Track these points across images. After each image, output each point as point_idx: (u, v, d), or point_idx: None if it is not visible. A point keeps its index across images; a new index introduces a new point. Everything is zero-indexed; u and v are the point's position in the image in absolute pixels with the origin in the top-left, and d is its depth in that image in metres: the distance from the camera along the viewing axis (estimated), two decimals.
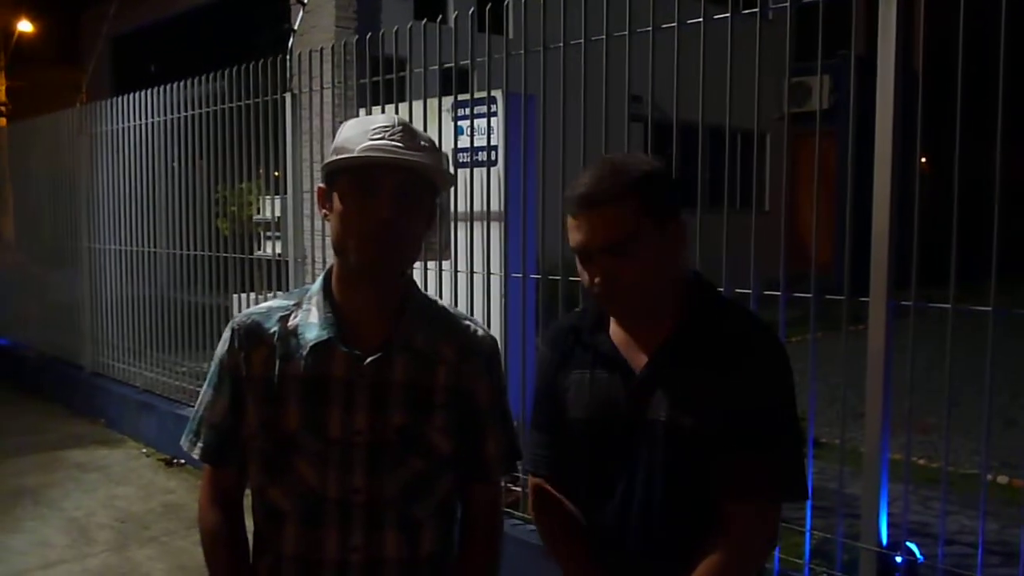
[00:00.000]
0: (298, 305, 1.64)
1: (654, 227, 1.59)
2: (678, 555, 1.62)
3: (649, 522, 1.64)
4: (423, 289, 1.79)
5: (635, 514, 1.64)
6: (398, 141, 1.52)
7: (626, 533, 1.66)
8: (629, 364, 1.67)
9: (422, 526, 1.62)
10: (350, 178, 1.53)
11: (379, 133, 1.52)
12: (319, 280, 1.66)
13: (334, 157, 1.54)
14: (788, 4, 3.01)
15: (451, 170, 4.26)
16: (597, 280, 1.59)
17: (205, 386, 1.68)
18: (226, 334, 1.65)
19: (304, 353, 1.58)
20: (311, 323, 1.60)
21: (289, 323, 1.62)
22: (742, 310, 1.82)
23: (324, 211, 1.60)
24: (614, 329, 1.72)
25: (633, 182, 1.58)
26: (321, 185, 1.60)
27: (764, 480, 1.61)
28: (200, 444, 1.65)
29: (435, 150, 1.60)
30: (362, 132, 1.53)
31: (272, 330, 1.61)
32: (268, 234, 5.73)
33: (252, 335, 1.61)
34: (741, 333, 1.67)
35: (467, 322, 1.71)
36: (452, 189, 4.11)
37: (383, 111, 4.27)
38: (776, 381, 1.65)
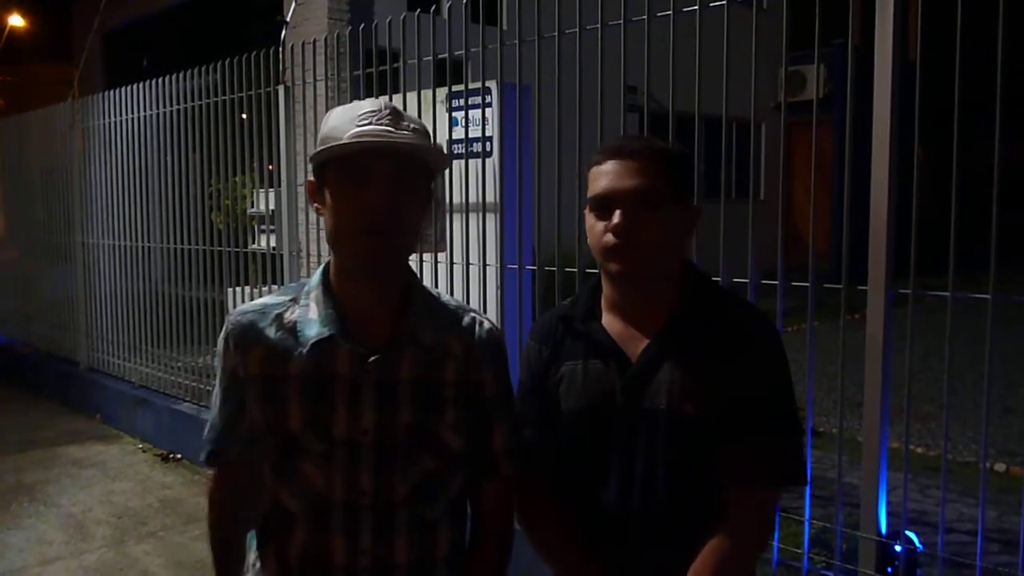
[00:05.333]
0: (295, 300, 1.59)
1: (675, 199, 1.63)
2: (681, 543, 1.61)
3: (652, 512, 1.62)
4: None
5: (636, 504, 1.63)
6: (387, 125, 1.46)
7: (627, 524, 1.64)
8: (624, 352, 1.66)
9: (436, 526, 1.58)
10: (340, 168, 1.47)
11: (366, 119, 1.46)
12: (317, 274, 1.60)
13: (321, 147, 1.48)
14: None
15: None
16: (615, 223, 1.59)
17: (214, 390, 1.67)
18: (222, 335, 1.61)
19: (304, 351, 1.52)
20: (311, 319, 1.54)
21: (286, 319, 1.56)
22: (738, 298, 1.81)
23: (316, 205, 1.54)
24: (607, 318, 1.71)
25: (666, 152, 1.66)
26: (311, 178, 1.55)
27: (765, 467, 1.61)
28: (207, 447, 1.63)
29: (425, 133, 1.54)
30: (349, 119, 1.48)
31: (268, 328, 1.56)
32: (262, 227, 5.70)
33: (247, 335, 1.56)
34: (741, 321, 1.67)
35: (472, 314, 1.66)
36: (447, 181, 4.10)
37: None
38: (776, 369, 1.64)
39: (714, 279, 1.82)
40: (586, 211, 1.69)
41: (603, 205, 1.62)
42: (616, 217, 1.59)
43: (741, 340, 1.63)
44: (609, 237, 1.60)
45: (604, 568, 1.66)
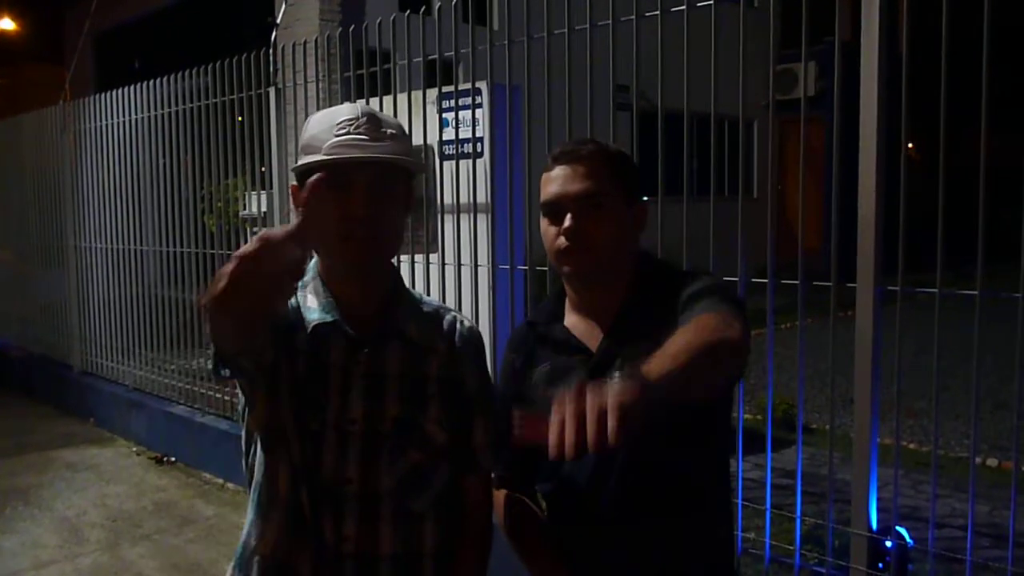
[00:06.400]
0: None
1: (623, 199, 1.69)
2: (647, 518, 1.63)
3: (621, 487, 1.65)
4: (410, 281, 1.78)
5: (607, 484, 1.65)
6: (363, 134, 1.50)
7: (600, 504, 1.67)
8: (587, 347, 1.71)
9: (422, 520, 1.60)
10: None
11: (344, 128, 1.51)
12: (311, 269, 1.64)
13: (303, 159, 1.53)
14: None
15: (436, 163, 4.25)
16: (566, 226, 1.64)
17: None
18: None
19: (307, 333, 1.56)
20: (310, 307, 1.58)
21: (291, 303, 1.59)
22: (685, 271, 1.83)
23: (301, 209, 1.58)
24: (571, 318, 1.77)
25: (610, 154, 1.72)
26: (294, 183, 1.59)
27: (719, 297, 1.57)
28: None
29: (403, 136, 1.59)
30: (327, 127, 1.52)
31: None
32: (255, 229, 5.70)
33: None
34: (682, 284, 1.66)
35: (452, 313, 1.73)
36: (438, 181, 4.10)
37: (367, 104, 4.24)
38: (706, 280, 1.65)
39: (668, 264, 1.84)
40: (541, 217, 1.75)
41: (553, 210, 1.68)
42: (567, 221, 1.65)
43: (680, 296, 1.63)
44: (561, 240, 1.66)
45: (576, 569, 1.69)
